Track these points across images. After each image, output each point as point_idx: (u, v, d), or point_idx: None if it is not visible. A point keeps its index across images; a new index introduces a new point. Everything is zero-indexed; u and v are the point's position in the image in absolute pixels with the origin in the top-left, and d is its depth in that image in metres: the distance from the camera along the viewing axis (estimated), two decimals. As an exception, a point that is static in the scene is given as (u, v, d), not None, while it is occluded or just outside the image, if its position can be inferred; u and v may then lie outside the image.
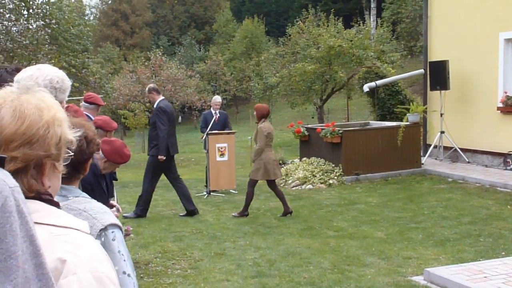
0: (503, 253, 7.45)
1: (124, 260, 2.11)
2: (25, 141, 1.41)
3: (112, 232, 2.11)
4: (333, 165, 13.53)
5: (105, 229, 2.09)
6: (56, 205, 1.52)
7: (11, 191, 1.27)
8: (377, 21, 29.40)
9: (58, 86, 2.65)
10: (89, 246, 1.51)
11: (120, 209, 4.89)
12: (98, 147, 2.34)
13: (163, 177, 10.67)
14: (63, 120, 1.51)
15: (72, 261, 1.44)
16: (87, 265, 1.46)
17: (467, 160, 14.47)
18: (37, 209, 1.44)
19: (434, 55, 15.61)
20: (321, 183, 12.99)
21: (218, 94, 33.43)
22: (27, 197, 1.37)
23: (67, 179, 2.18)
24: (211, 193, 12.50)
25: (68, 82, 2.74)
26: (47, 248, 1.38)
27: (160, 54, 26.20)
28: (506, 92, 13.52)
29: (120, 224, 2.17)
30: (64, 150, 1.53)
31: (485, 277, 6.22)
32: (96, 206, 2.16)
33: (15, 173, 1.39)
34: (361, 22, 24.32)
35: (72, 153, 1.60)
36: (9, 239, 1.24)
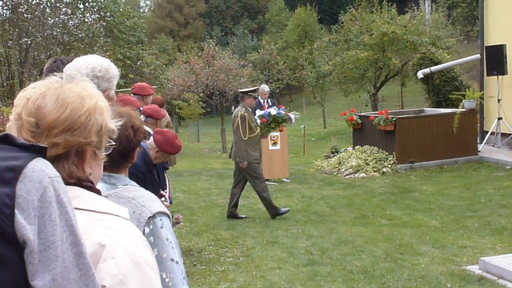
0: None
1: (172, 248, 2.15)
2: (66, 128, 1.46)
3: (160, 219, 2.15)
4: (387, 153, 13.39)
5: (153, 216, 2.13)
6: (97, 192, 1.57)
7: (50, 181, 1.31)
8: (432, 6, 28.76)
9: (100, 75, 2.69)
10: (128, 231, 1.55)
11: (168, 199, 4.99)
12: (145, 136, 2.39)
13: (215, 165, 10.76)
14: (105, 109, 1.56)
15: (111, 246, 1.48)
16: (126, 250, 1.50)
17: (527, 147, 14.08)
18: (77, 195, 1.49)
19: (491, 40, 15.20)
20: (375, 171, 12.88)
21: (270, 83, 33.49)
22: (67, 183, 1.41)
23: (115, 167, 2.23)
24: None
25: (113, 71, 2.77)
26: (87, 233, 1.42)
27: (213, 44, 26.33)
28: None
29: (168, 212, 2.21)
30: (106, 139, 1.58)
31: (543, 266, 6.07)
32: (144, 194, 2.21)
33: (56, 159, 1.44)
34: (415, 7, 23.90)
35: (114, 143, 1.64)
36: (48, 229, 1.28)
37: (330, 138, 21.08)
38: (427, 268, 6.52)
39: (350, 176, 12.92)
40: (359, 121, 14.44)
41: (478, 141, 14.40)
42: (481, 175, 12.11)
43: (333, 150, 15.33)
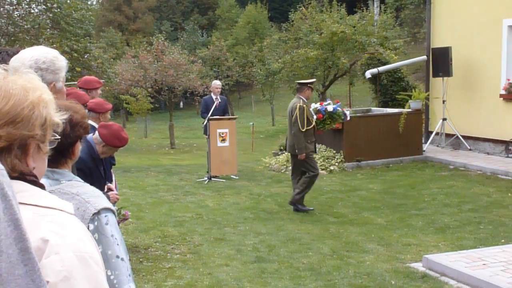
0: (503, 240, 7.44)
1: (118, 244, 2.10)
2: (9, 120, 1.41)
3: (105, 216, 2.10)
4: (335, 152, 13.51)
5: (98, 213, 2.08)
6: (41, 186, 1.51)
7: None
8: (380, 7, 29.16)
9: (44, 67, 2.60)
10: (73, 227, 1.50)
11: (115, 192, 4.90)
12: (87, 131, 2.30)
13: (163, 162, 10.65)
14: (49, 102, 1.50)
15: (55, 241, 1.43)
16: (71, 245, 1.46)
17: (469, 148, 14.44)
18: (21, 190, 1.43)
19: (437, 42, 15.52)
20: (322, 169, 12.96)
21: (220, 79, 33.41)
22: (10, 178, 1.36)
23: (55, 163, 2.16)
24: (212, 179, 12.50)
25: (60, 63, 2.68)
26: (31, 228, 1.37)
27: (163, 39, 26.05)
28: (508, 80, 13.47)
29: (113, 208, 2.15)
30: (50, 132, 1.52)
31: (484, 264, 6.22)
32: (89, 190, 2.14)
33: None
34: (364, 8, 24.18)
35: (59, 136, 1.58)
36: None
37: (279, 135, 21.18)
38: (372, 265, 6.61)
39: (298, 173, 12.97)
40: (308, 119, 14.50)
41: (423, 141, 14.69)
42: (426, 174, 12.36)
43: (282, 148, 15.35)
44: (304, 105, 9.25)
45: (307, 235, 8.00)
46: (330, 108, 10.12)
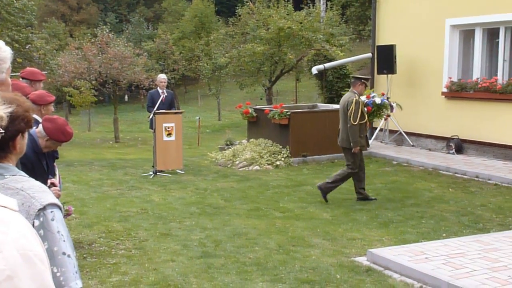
0: (444, 234, 7.62)
1: (64, 241, 2.04)
2: None
3: (51, 212, 2.04)
4: (281, 147, 13.58)
5: (43, 208, 2.02)
6: None
7: None
8: (327, 4, 29.47)
9: None
10: (17, 224, 1.45)
11: (58, 188, 4.79)
12: (29, 124, 2.20)
13: (108, 156, 10.48)
14: None
15: None
16: (14, 243, 1.40)
17: (412, 144, 14.74)
18: None
19: (382, 40, 15.77)
20: (269, 164, 13.02)
21: (166, 73, 33.09)
22: None
23: None
24: (158, 173, 12.38)
25: (3, 54, 2.58)
26: None
27: (107, 31, 25.62)
28: (450, 78, 13.80)
29: (59, 203, 2.09)
30: None
31: (426, 258, 6.34)
32: (34, 185, 2.08)
33: None
34: (311, 4, 24.36)
35: (3, 130, 1.52)
36: None
37: (225, 130, 21.16)
38: (318, 260, 6.66)
39: (244, 168, 12.99)
40: (254, 114, 14.54)
41: (367, 137, 14.88)
42: (370, 169, 12.52)
43: (228, 143, 15.37)
44: (360, 100, 9.43)
45: (254, 230, 8.01)
46: (378, 100, 10.17)
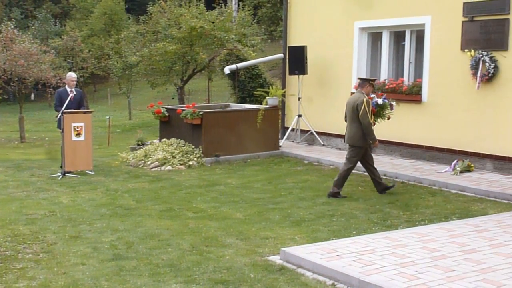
0: (354, 232, 7.79)
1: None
2: None
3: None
4: (193, 147, 13.50)
5: None
6: None
7: None
8: (239, 4, 29.62)
9: None
10: None
11: None
12: None
13: (13, 156, 10.07)
14: None
15: None
16: None
17: (322, 143, 15.02)
18: None
19: (294, 40, 15.99)
20: (181, 164, 12.92)
21: (74, 71, 32.23)
22: None
23: None
24: (66, 174, 12.02)
25: None
26: None
27: (12, 27, 24.64)
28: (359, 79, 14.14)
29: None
30: None
31: (337, 255, 6.46)
32: None
33: None
34: (223, 4, 24.38)
35: None
36: None
37: (136, 130, 20.81)
38: (232, 260, 6.66)
39: (156, 169, 12.82)
40: (166, 114, 14.38)
41: (279, 136, 15.07)
42: (282, 169, 12.68)
43: (139, 143, 15.13)
44: (369, 100, 9.91)
45: (166, 231, 7.92)
46: (380, 101, 10.32)
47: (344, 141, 10.44)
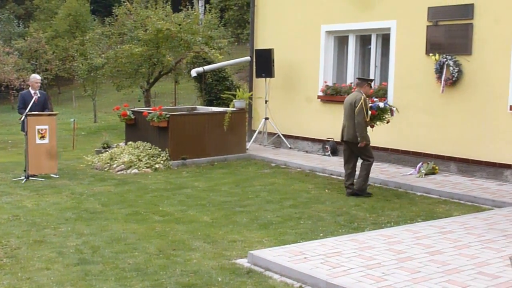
0: (321, 234, 7.82)
1: None
2: None
3: None
4: (160, 150, 13.41)
5: None
6: None
7: None
8: (205, 7, 29.54)
9: None
10: None
11: None
12: None
13: None
14: None
15: None
16: None
17: (289, 146, 15.07)
18: None
19: (261, 43, 16.02)
20: (147, 167, 12.82)
21: (38, 73, 31.78)
22: None
23: None
24: (30, 178, 11.83)
25: None
26: None
27: (-26, 28, 24.26)
28: (326, 82, 14.25)
29: None
30: None
31: (305, 258, 6.48)
32: None
33: None
34: (189, 6, 24.30)
35: None
36: None
37: (102, 133, 20.57)
38: (199, 263, 6.62)
39: (122, 172, 12.70)
40: (133, 117, 14.27)
41: (246, 139, 15.07)
42: (249, 172, 12.68)
43: (105, 145, 14.97)
44: (366, 99, 10.18)
45: (133, 234, 7.84)
46: (381, 105, 10.57)
47: (341, 140, 10.57)
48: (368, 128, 10.39)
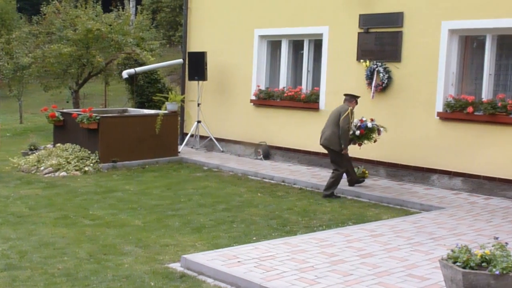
0: (255, 238, 7.84)
1: None
2: None
3: None
4: (90, 152, 13.13)
5: None
6: None
7: None
8: (137, 8, 29.12)
9: None
10: None
11: None
12: None
13: None
14: None
15: None
16: None
17: (222, 150, 15.05)
18: None
19: (193, 46, 15.94)
20: (76, 170, 12.53)
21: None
22: None
23: None
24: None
25: None
26: None
27: None
28: (258, 86, 14.32)
29: None
30: None
31: (238, 261, 6.47)
32: None
33: None
34: (120, 7, 23.92)
35: None
36: None
37: (28, 134, 19.96)
38: (131, 268, 6.52)
39: (50, 174, 12.36)
40: (61, 118, 13.91)
41: (178, 142, 14.95)
42: (182, 175, 12.59)
43: (32, 147, 14.53)
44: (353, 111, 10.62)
45: (62, 239, 7.64)
46: (370, 125, 10.90)
47: (320, 143, 10.85)
48: (356, 145, 11.06)
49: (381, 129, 11.12)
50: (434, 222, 8.59)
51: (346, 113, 10.46)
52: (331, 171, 10.80)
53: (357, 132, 10.82)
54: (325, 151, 11.95)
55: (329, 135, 10.61)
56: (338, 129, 10.47)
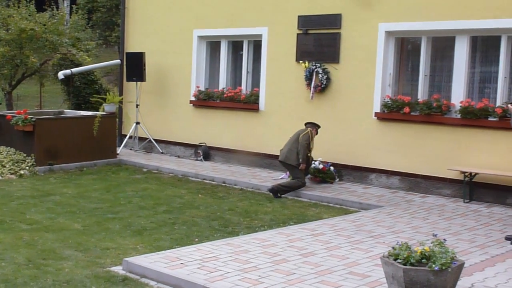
0: (197, 239, 7.82)
1: None
2: None
3: None
4: (25, 155, 12.79)
5: None
6: None
7: None
8: (72, 8, 28.55)
9: None
10: None
11: None
12: None
13: None
14: None
15: None
16: None
17: (161, 151, 14.94)
18: None
19: (131, 47, 15.76)
20: (11, 173, 12.18)
21: None
22: None
23: None
24: None
25: None
26: None
27: None
28: (198, 87, 14.28)
29: None
30: None
31: (181, 263, 6.44)
32: None
33: None
34: (54, 6, 23.40)
35: None
36: None
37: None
38: (72, 272, 6.39)
39: (-17, 178, 11.98)
40: (-6, 120, 13.52)
41: (117, 144, 14.75)
42: (121, 177, 12.42)
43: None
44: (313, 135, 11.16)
45: (-2, 244, 7.42)
46: (332, 168, 11.60)
47: (278, 159, 11.23)
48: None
49: (337, 180, 11.82)
50: (373, 220, 8.77)
51: (306, 131, 10.95)
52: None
53: (313, 142, 11.16)
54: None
55: (286, 151, 10.94)
56: (297, 146, 10.84)
